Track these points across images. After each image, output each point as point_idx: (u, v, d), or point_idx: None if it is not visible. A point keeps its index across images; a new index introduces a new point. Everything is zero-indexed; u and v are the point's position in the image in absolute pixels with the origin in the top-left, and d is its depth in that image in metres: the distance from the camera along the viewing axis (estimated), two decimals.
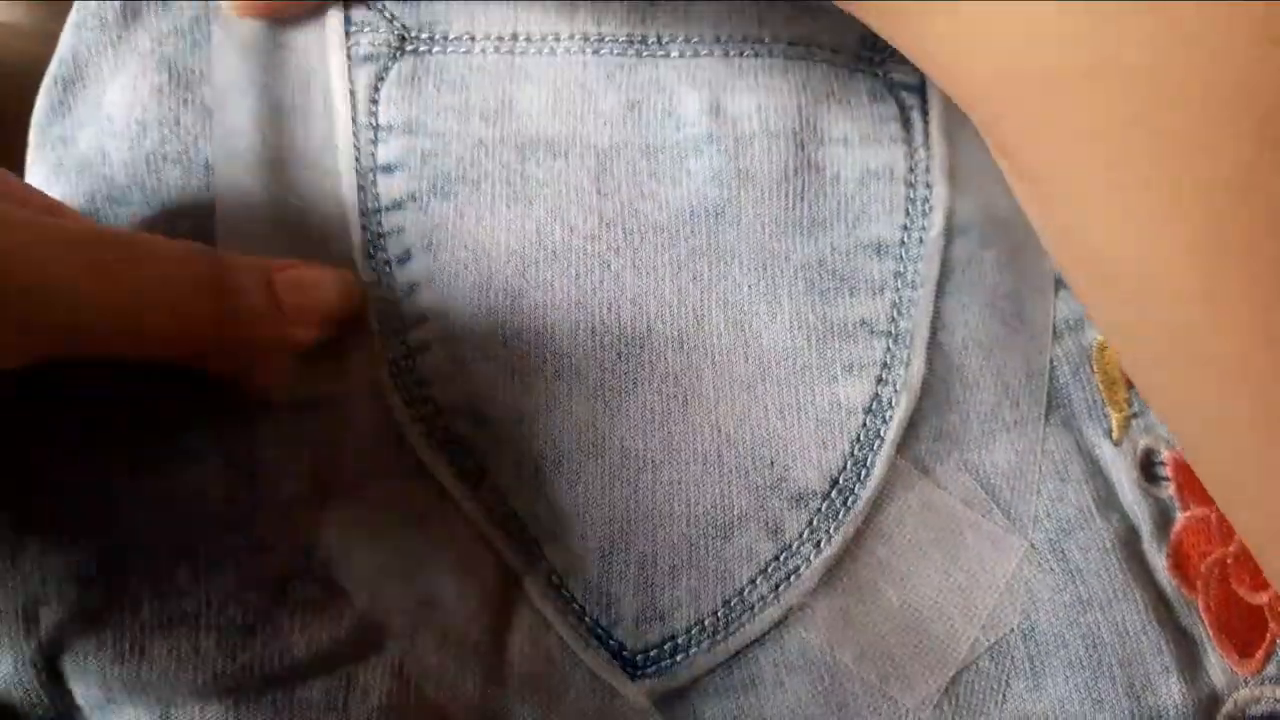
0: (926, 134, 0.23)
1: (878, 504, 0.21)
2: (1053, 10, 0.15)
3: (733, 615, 0.21)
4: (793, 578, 0.21)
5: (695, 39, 0.23)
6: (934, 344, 0.22)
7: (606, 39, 0.23)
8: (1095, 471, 0.22)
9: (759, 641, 0.21)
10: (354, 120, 0.22)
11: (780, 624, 0.21)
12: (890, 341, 0.22)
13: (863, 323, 0.22)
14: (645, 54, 0.23)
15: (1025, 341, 0.22)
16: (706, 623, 0.21)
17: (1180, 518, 0.22)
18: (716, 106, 0.22)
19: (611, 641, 0.20)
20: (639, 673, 0.20)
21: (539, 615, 0.21)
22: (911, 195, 0.23)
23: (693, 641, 0.21)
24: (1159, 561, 0.21)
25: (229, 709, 0.19)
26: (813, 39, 0.23)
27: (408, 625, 0.20)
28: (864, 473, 0.21)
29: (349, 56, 0.23)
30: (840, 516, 0.21)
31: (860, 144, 0.23)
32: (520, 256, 0.22)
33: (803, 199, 0.22)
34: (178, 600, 0.19)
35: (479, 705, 0.20)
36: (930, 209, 0.23)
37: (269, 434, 0.20)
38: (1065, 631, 0.21)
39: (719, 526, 0.21)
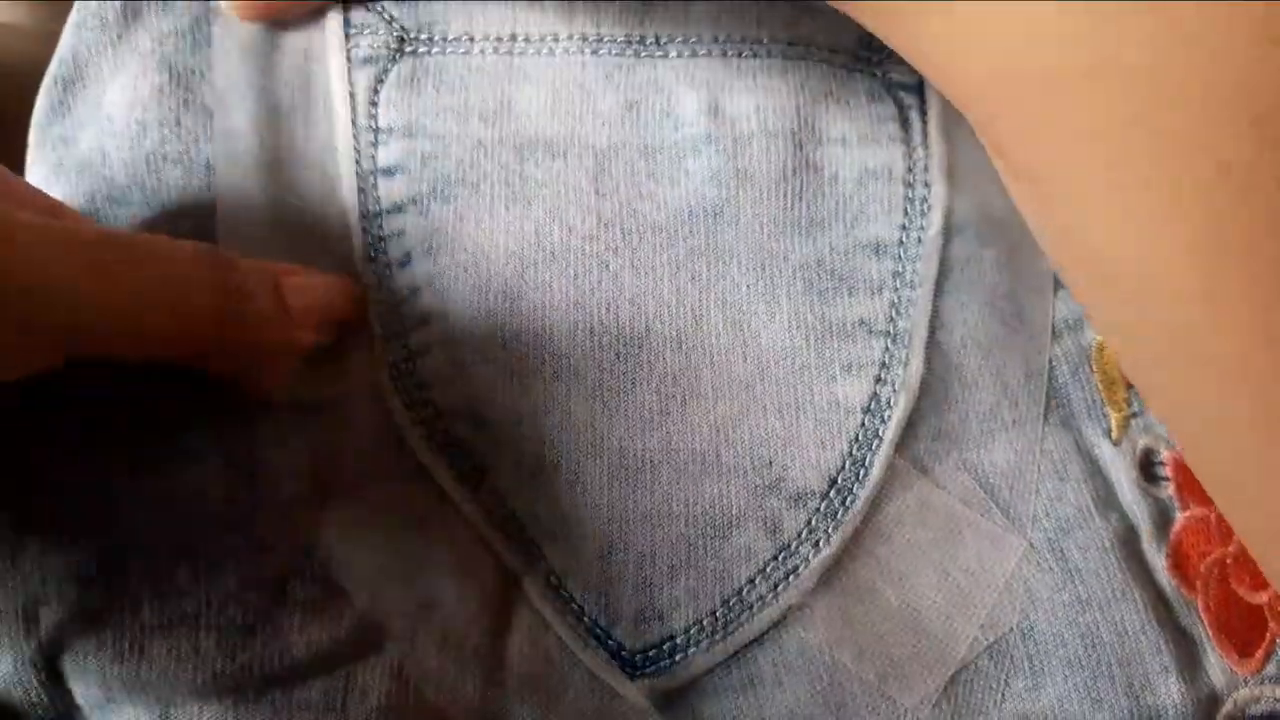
0: (925, 134, 0.23)
1: (876, 504, 0.21)
2: (1051, 10, 0.15)
3: (731, 615, 0.21)
4: (791, 577, 0.21)
5: (693, 39, 0.23)
6: (932, 343, 0.22)
7: (605, 39, 0.23)
8: (1094, 471, 0.22)
9: (758, 641, 0.21)
10: (354, 123, 0.22)
11: (779, 624, 0.21)
12: (889, 341, 0.22)
13: (861, 322, 0.22)
14: (643, 54, 0.23)
15: (1024, 341, 0.22)
16: (705, 622, 0.21)
17: (1180, 518, 0.22)
18: (715, 107, 0.23)
19: (610, 641, 0.21)
20: (638, 673, 0.20)
21: (538, 616, 0.21)
22: (910, 195, 0.23)
23: (691, 641, 0.21)
24: (1158, 561, 0.21)
25: (228, 709, 0.19)
26: (811, 39, 0.23)
27: (407, 627, 0.20)
28: (862, 472, 0.21)
29: (349, 59, 0.23)
30: (839, 516, 0.21)
31: (858, 144, 0.23)
32: (519, 258, 0.22)
33: (801, 199, 0.22)
34: (178, 600, 0.19)
35: (478, 707, 0.20)
36: (929, 208, 0.23)
37: (269, 434, 0.20)
38: (1064, 631, 0.21)
39: (718, 526, 0.21)
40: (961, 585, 0.21)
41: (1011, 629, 0.21)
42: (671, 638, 0.21)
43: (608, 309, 0.22)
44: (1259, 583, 0.21)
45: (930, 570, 0.21)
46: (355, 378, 0.21)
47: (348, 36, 0.23)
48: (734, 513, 0.21)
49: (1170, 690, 0.20)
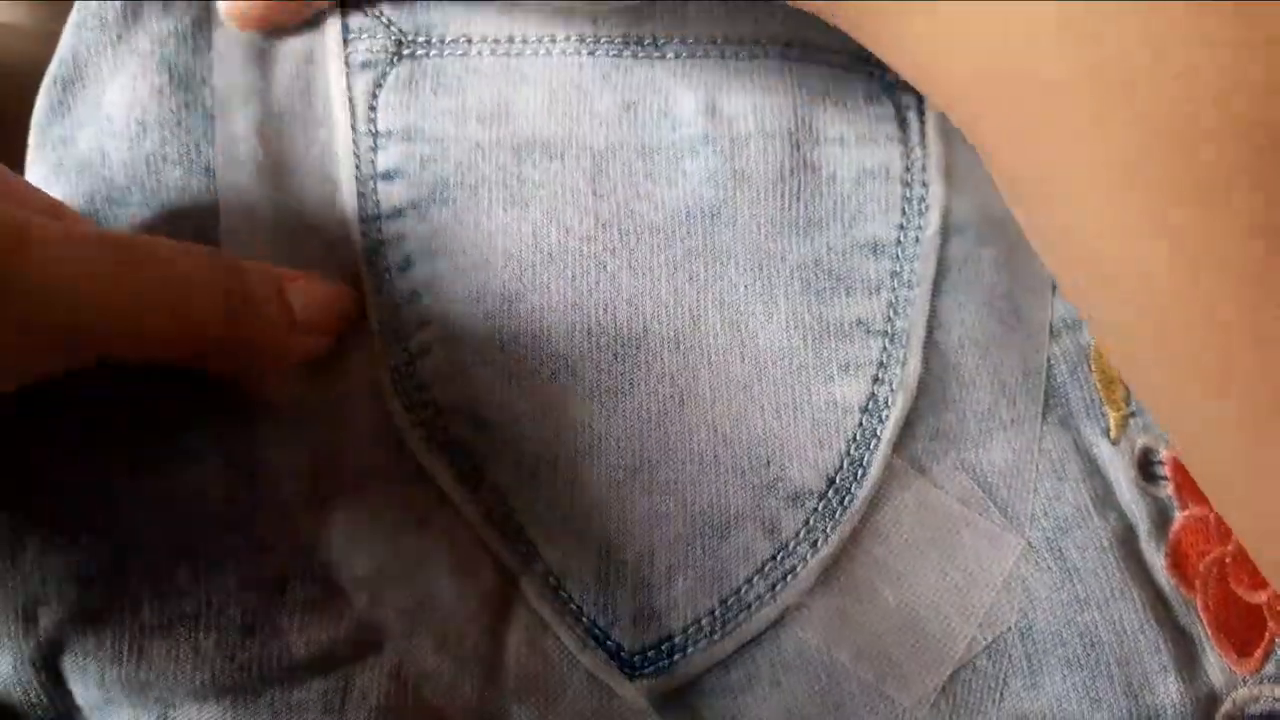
0: (922, 133, 0.23)
1: (874, 503, 0.21)
2: (1036, 10, 0.15)
3: (730, 615, 0.21)
4: (789, 577, 0.21)
5: (691, 40, 0.23)
6: (930, 343, 0.22)
7: (602, 40, 0.23)
8: (1093, 470, 0.22)
9: (756, 641, 0.21)
10: (353, 128, 0.22)
11: (777, 623, 0.21)
12: (886, 341, 0.22)
13: (859, 322, 0.22)
14: (641, 55, 0.23)
15: (1022, 340, 0.22)
16: (703, 622, 0.21)
17: (1179, 517, 0.22)
18: (712, 107, 0.23)
19: (609, 642, 0.21)
20: (636, 673, 0.20)
21: (536, 616, 0.21)
22: (908, 194, 0.23)
23: (690, 641, 0.21)
24: (1157, 560, 0.21)
25: (227, 709, 0.19)
26: (808, 40, 0.23)
27: (406, 627, 0.20)
28: (860, 472, 0.21)
29: (347, 64, 0.23)
30: (837, 516, 0.21)
31: (856, 144, 0.23)
32: (518, 260, 0.22)
33: (798, 199, 0.22)
34: (177, 600, 0.19)
35: (476, 707, 0.20)
36: (926, 208, 0.23)
37: (269, 434, 0.20)
38: (1063, 630, 0.21)
39: (716, 526, 0.21)
40: (960, 584, 0.21)
41: (1010, 628, 0.21)
42: (670, 638, 0.21)
43: (605, 310, 0.22)
44: (1258, 582, 0.21)
45: (928, 570, 0.21)
46: (355, 378, 0.21)
47: (346, 41, 0.23)
48: (732, 513, 0.21)
49: (1169, 689, 0.20)
